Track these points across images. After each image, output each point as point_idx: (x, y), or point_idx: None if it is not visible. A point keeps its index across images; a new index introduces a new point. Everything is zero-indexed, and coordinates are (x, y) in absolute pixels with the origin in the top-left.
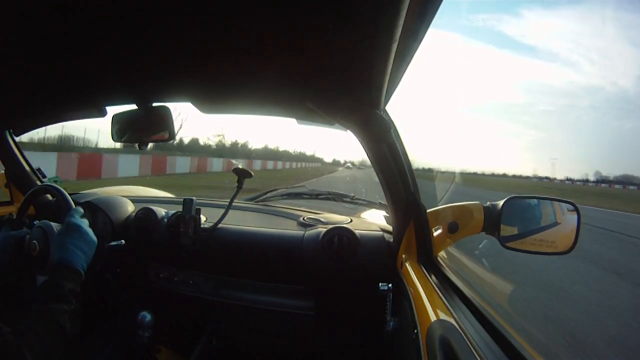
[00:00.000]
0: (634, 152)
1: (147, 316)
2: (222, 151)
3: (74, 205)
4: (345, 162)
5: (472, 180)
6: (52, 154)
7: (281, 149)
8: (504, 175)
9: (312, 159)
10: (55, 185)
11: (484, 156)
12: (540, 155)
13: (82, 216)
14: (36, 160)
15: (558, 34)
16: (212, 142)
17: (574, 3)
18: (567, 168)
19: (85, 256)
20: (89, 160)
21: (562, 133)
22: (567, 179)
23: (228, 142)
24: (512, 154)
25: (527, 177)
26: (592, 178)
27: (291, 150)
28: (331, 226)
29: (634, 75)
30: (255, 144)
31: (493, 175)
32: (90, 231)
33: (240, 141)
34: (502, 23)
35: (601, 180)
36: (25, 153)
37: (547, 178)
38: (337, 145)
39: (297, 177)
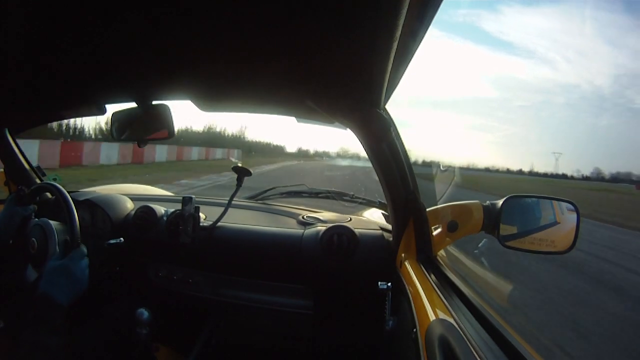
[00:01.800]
0: (608, 148)
1: (145, 313)
2: None
3: (73, 206)
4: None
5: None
6: (35, 141)
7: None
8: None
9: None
10: (55, 184)
11: (462, 151)
12: (513, 150)
13: (83, 256)
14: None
15: (536, 32)
16: None
17: (555, 1)
18: (543, 163)
19: (71, 294)
20: (72, 148)
21: (537, 128)
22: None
23: None
24: (485, 148)
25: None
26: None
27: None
28: (330, 225)
29: (610, 74)
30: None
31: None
32: (85, 273)
33: None
34: (480, 19)
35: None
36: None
37: (568, 176)
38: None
39: None
